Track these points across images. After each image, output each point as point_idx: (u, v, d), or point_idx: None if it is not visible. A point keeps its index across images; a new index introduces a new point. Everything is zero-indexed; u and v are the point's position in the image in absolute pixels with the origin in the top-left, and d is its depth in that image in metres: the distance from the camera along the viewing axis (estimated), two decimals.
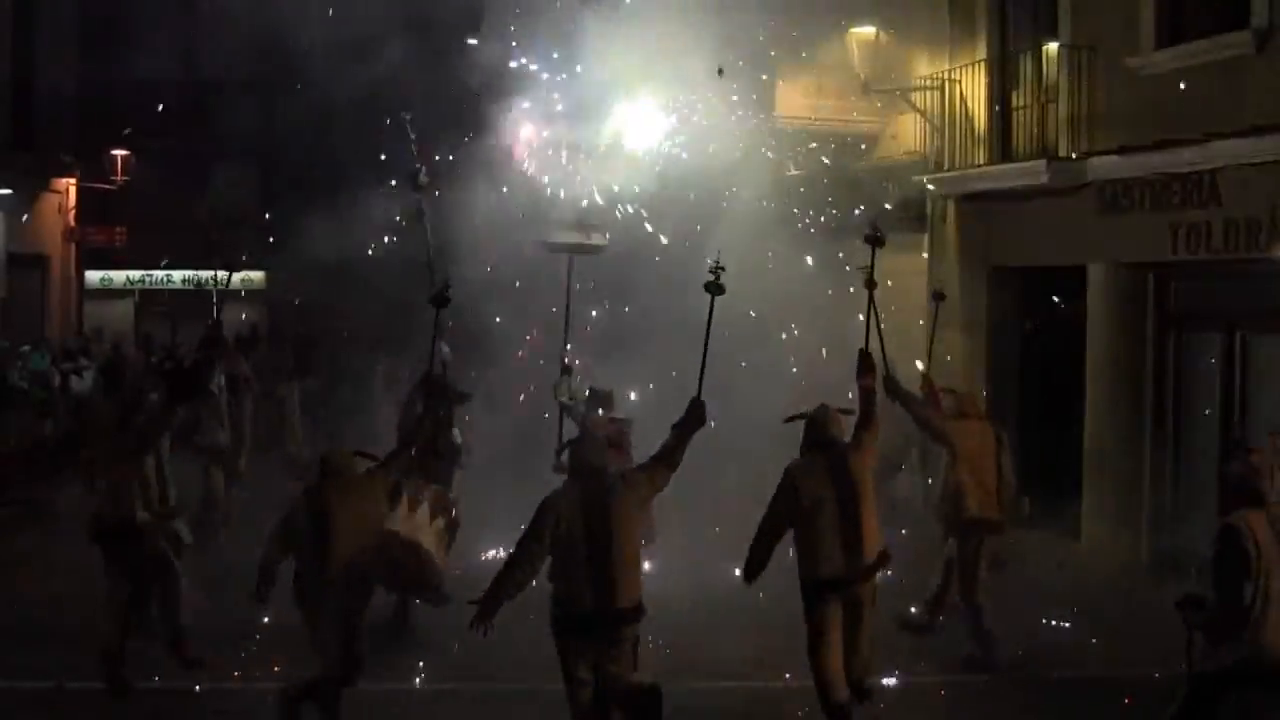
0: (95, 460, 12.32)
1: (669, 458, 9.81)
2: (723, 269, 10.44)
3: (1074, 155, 17.41)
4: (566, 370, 15.19)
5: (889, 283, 15.36)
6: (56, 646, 13.18)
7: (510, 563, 9.42)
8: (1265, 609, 8.54)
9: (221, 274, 16.80)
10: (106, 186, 33.10)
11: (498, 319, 18.26)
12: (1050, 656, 12.53)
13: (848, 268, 14.74)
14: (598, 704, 9.44)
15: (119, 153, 33.35)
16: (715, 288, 10.49)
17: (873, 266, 11.76)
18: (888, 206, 19.90)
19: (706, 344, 10.59)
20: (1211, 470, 15.44)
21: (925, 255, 20.75)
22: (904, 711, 11.46)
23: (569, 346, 15.61)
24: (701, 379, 10.33)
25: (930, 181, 20.44)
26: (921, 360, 15.31)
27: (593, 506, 9.38)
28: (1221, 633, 8.69)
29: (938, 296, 15.57)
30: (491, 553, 14.77)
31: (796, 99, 22.19)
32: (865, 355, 11.53)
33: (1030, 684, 12.21)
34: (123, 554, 12.06)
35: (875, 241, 11.87)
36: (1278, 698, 8.77)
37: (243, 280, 37.90)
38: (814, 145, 22.01)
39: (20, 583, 16.02)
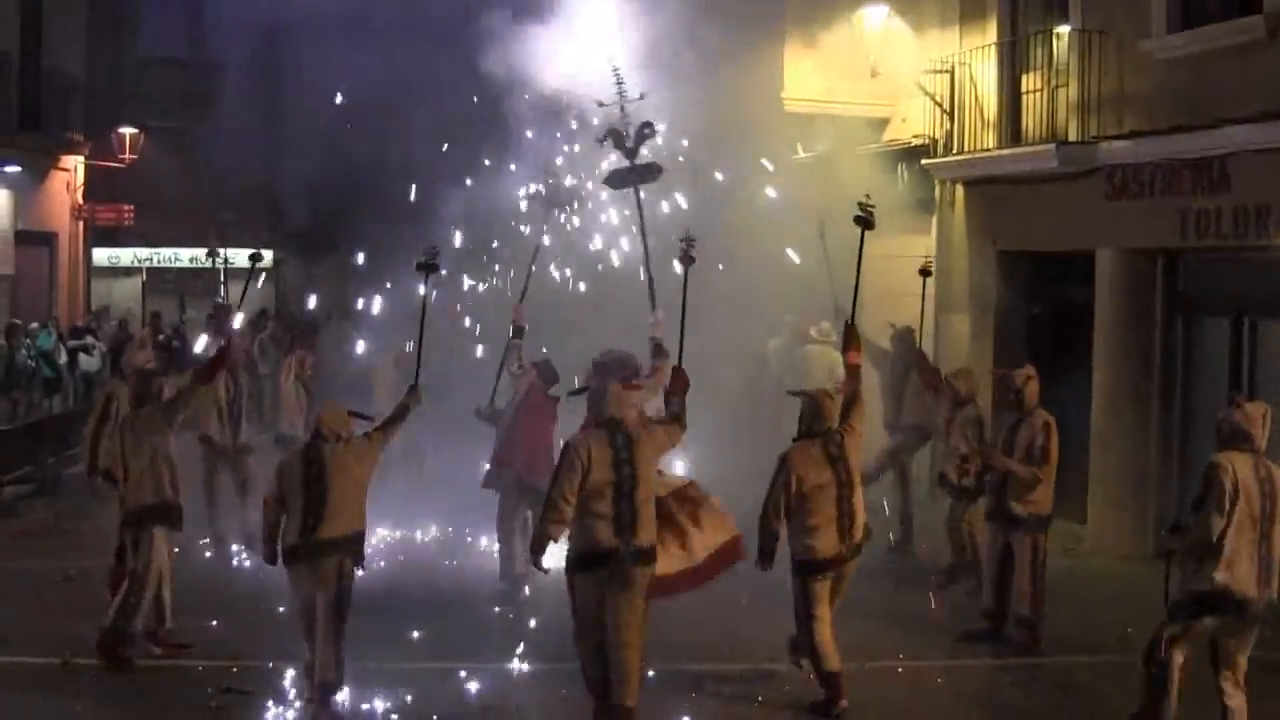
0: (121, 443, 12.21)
1: (680, 419, 10.59)
2: (694, 240, 11.61)
3: (1084, 140, 17.36)
4: (519, 332, 14.96)
5: (894, 267, 15.51)
6: (63, 621, 13.24)
7: (548, 505, 10.04)
8: (1238, 544, 9.23)
9: (251, 257, 16.88)
10: (115, 165, 33.07)
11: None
12: (1055, 642, 12.49)
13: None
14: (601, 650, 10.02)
15: (127, 131, 33.33)
16: (687, 260, 11.63)
17: (861, 248, 12.21)
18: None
19: (684, 316, 11.61)
20: None
21: (933, 239, 20.70)
22: (906, 692, 11.52)
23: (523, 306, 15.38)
24: (681, 349, 11.35)
25: (939, 165, 20.40)
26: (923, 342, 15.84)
27: (619, 452, 9.97)
28: (1195, 561, 9.34)
29: (924, 273, 16.01)
30: None
31: (806, 82, 22.17)
32: (850, 329, 11.73)
33: (1031, 668, 12.22)
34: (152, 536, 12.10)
35: (865, 224, 12.09)
36: (1244, 628, 9.44)
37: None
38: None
39: (28, 558, 16.08)
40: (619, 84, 14.92)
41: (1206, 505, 9.35)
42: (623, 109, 14.88)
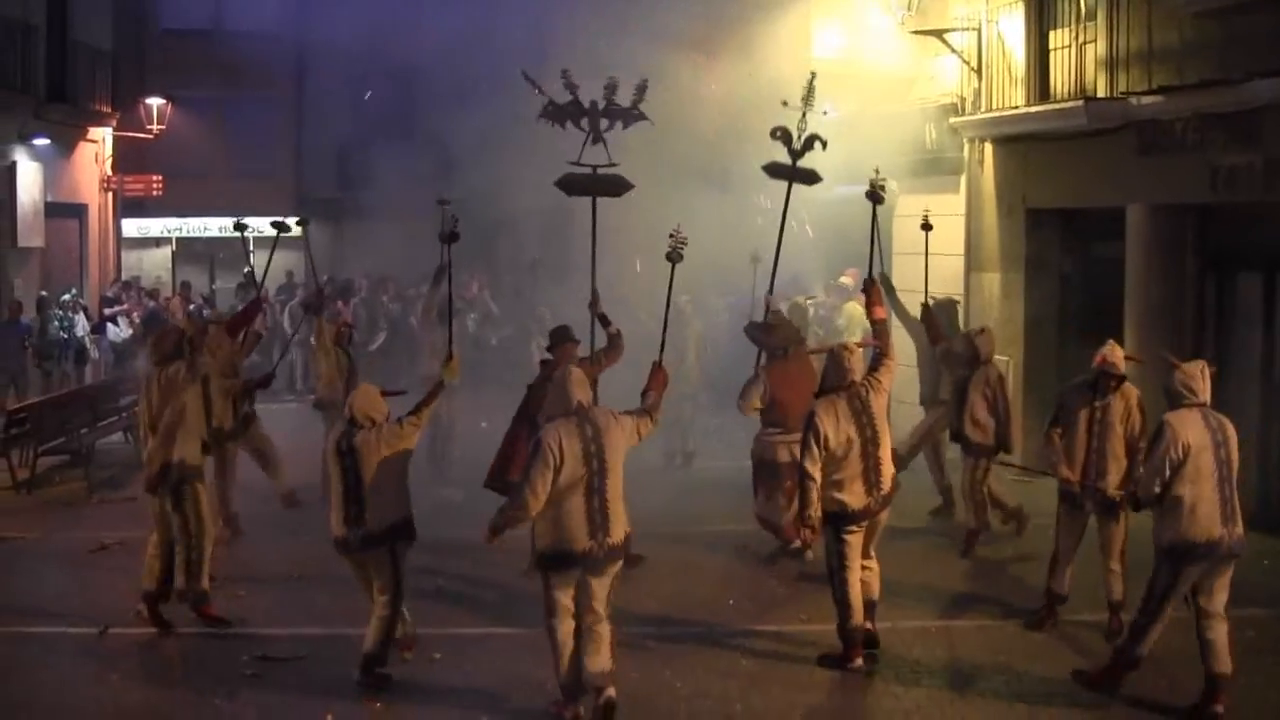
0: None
1: (652, 413, 10.29)
2: (684, 242, 11.50)
3: (1113, 96, 17.24)
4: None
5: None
6: (100, 592, 13.36)
7: (514, 495, 9.79)
8: (1196, 494, 9.90)
9: (275, 225, 16.98)
10: (143, 136, 33.12)
11: None
12: (1082, 603, 12.44)
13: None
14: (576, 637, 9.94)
15: (155, 101, 33.35)
16: (676, 256, 11.53)
17: (875, 225, 12.77)
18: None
19: (667, 312, 11.94)
20: (1253, 414, 15.38)
21: (962, 198, 20.64)
22: (922, 652, 11.57)
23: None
24: (663, 346, 11.37)
25: (967, 124, 20.31)
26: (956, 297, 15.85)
27: (588, 444, 9.69)
28: (1160, 517, 10.09)
29: (925, 227, 16.20)
30: None
31: (834, 40, 22.10)
32: (872, 283, 11.80)
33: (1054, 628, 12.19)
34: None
35: (875, 199, 12.67)
36: (1219, 567, 10.04)
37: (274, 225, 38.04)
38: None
39: (64, 529, 16.20)
40: (809, 93, 14.79)
41: (1152, 462, 10.06)
42: (804, 115, 14.71)
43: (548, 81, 14.08)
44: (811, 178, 14.96)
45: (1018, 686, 10.74)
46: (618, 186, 14.28)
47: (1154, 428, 10.39)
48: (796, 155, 14.86)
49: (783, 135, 14.79)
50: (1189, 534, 9.93)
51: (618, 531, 9.78)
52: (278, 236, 15.87)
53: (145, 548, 12.38)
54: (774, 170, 15.00)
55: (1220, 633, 10.04)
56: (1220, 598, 10.11)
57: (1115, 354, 11.92)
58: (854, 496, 10.89)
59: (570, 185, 14.24)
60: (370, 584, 10.76)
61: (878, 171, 12.71)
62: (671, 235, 11.51)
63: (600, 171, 14.13)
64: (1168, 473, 9.95)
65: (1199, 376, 10.29)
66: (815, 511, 10.87)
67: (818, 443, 10.80)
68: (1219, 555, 9.99)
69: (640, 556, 13.24)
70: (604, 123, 14.26)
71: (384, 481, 10.51)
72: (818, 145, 14.84)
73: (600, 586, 9.83)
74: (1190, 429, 10.00)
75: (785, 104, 14.79)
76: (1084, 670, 10.75)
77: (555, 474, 9.55)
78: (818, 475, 10.83)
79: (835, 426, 10.85)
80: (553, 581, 9.85)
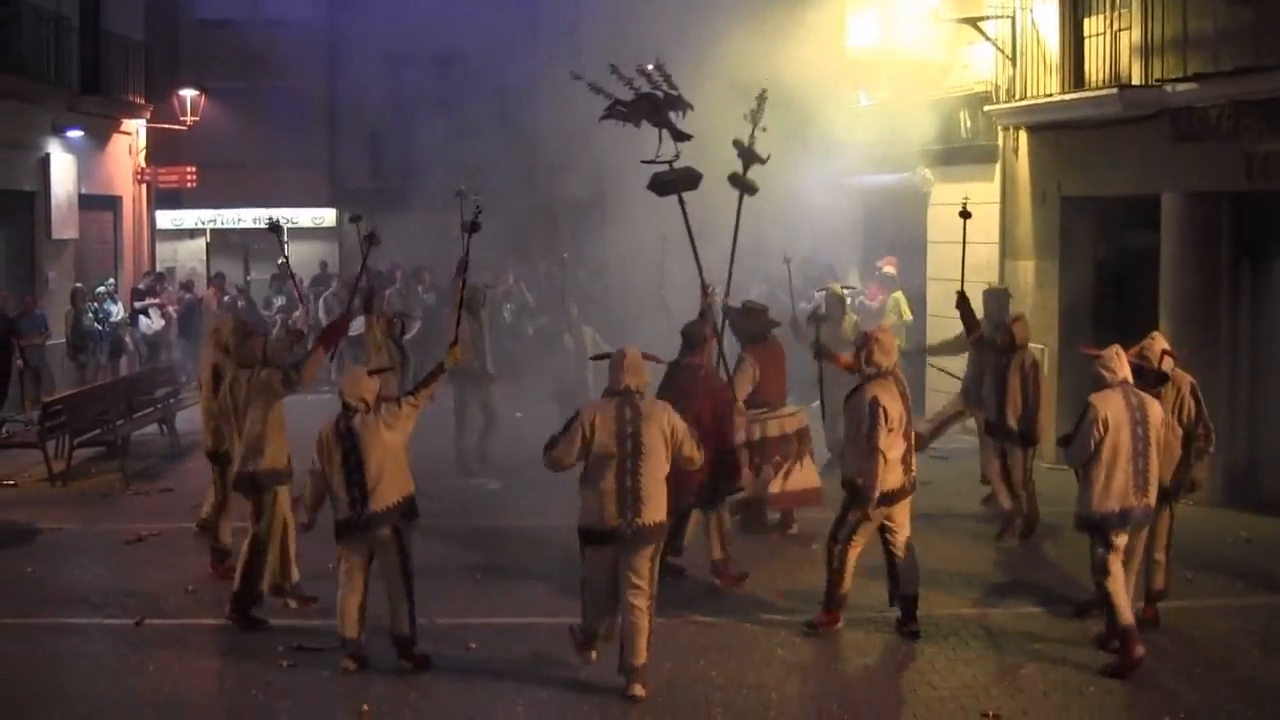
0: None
1: (696, 458, 10.53)
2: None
3: (1147, 83, 17.14)
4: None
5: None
6: (137, 582, 13.43)
7: (548, 448, 10.35)
8: (1114, 468, 10.68)
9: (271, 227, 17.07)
10: (177, 127, 33.22)
11: None
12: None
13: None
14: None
15: (188, 93, 33.45)
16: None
17: (743, 186, 13.46)
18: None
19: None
20: None
21: (997, 186, 20.57)
22: (958, 640, 11.55)
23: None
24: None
25: (1002, 112, 20.23)
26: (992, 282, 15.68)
27: (625, 425, 10.10)
28: (1084, 489, 10.88)
29: (964, 215, 16.03)
30: None
31: (868, 29, 22.06)
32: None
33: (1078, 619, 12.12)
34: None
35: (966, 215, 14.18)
36: (1137, 530, 11.02)
37: (312, 220, 38.19)
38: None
39: (101, 521, 16.28)
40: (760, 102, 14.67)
41: (1078, 438, 10.85)
42: (754, 131, 14.55)
43: (601, 74, 14.02)
44: (693, 179, 14.40)
45: (1054, 675, 10.71)
46: (694, 180, 14.22)
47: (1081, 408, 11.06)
48: (746, 166, 14.67)
49: (740, 150, 14.69)
50: (1106, 504, 10.75)
51: (649, 514, 10.05)
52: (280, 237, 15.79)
53: (183, 539, 12.46)
54: (659, 186, 14.45)
55: (1126, 579, 10.96)
56: (1140, 550, 11.26)
57: (1153, 348, 11.89)
58: (893, 477, 11.28)
59: (661, 187, 14.20)
60: (357, 575, 10.80)
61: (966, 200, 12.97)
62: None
63: (676, 166, 14.05)
64: (1091, 446, 10.70)
65: (1116, 359, 11.08)
66: (883, 486, 11.18)
67: (886, 421, 11.13)
68: (1132, 523, 10.85)
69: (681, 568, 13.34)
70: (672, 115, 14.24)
71: (385, 462, 10.63)
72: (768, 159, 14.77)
73: (635, 565, 10.12)
74: (1111, 406, 10.77)
75: (746, 117, 14.73)
76: (1109, 664, 10.75)
77: (584, 445, 10.09)
78: (889, 453, 11.19)
79: (893, 405, 11.21)
80: (588, 556, 10.32)
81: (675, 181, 14.06)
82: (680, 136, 14.03)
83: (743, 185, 14.76)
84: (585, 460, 10.24)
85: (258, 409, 12.20)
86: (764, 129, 14.32)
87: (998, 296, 16.69)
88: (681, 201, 14.18)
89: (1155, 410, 10.98)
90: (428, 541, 11.73)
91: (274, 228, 16.78)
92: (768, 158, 14.54)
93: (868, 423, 11.17)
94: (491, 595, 12.89)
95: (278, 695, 10.45)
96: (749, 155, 14.59)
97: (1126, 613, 10.74)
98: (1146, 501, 10.85)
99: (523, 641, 11.48)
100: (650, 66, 14.05)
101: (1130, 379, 11.03)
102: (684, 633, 11.69)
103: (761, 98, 14.51)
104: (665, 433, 10.18)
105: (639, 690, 10.14)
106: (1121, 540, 10.80)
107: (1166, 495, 11.66)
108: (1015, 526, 14.84)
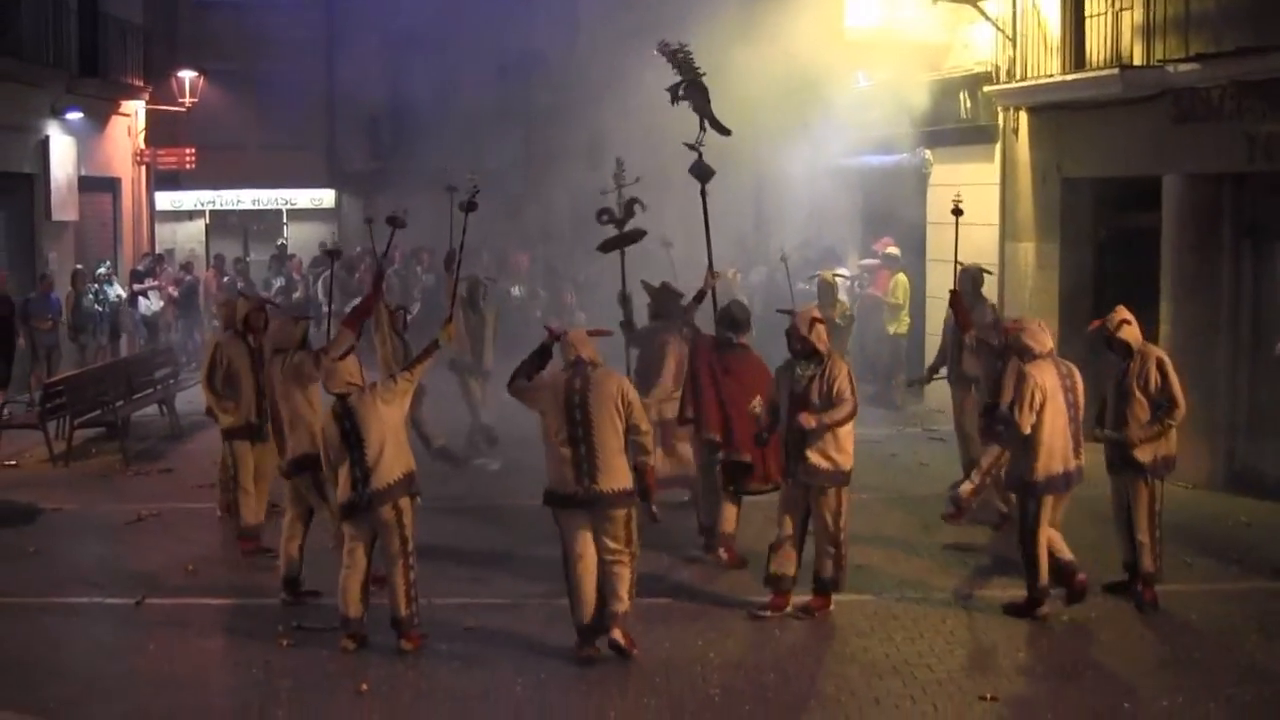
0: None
1: (645, 440, 10.77)
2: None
3: (1149, 64, 17.09)
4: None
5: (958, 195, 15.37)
6: (138, 562, 13.45)
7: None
8: (1051, 433, 11.23)
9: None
10: (175, 109, 33.17)
11: None
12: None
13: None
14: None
15: (187, 74, 33.38)
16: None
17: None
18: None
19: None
20: None
21: (997, 167, 20.54)
22: (954, 624, 11.55)
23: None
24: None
25: (1002, 92, 20.20)
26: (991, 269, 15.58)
27: (572, 395, 10.43)
28: (1020, 454, 11.40)
29: (956, 212, 15.41)
30: None
31: (867, 9, 22.01)
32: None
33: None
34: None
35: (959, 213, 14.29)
36: (1068, 493, 11.62)
37: (311, 201, 38.18)
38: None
39: (101, 501, 16.29)
40: (619, 169, 15.14)
41: (1020, 406, 11.23)
42: (619, 190, 15.06)
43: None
44: (636, 237, 15.30)
45: (1053, 659, 10.73)
46: (637, 238, 15.24)
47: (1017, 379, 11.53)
48: (621, 224, 15.16)
49: (608, 217, 15.20)
50: (1051, 467, 11.31)
51: (606, 481, 10.38)
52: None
53: (183, 519, 12.47)
54: (606, 246, 15.41)
55: (1055, 538, 11.56)
56: (1058, 517, 11.65)
57: (1113, 318, 12.14)
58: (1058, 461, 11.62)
59: (607, 246, 15.23)
60: (360, 554, 10.83)
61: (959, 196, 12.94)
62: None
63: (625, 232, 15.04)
64: (1031, 413, 11.20)
65: (1039, 332, 11.66)
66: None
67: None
68: (1070, 484, 11.50)
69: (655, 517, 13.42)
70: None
71: (384, 437, 10.67)
72: (637, 208, 15.16)
73: (609, 530, 10.45)
74: (1045, 375, 11.35)
75: (603, 193, 15.28)
76: (1013, 602, 11.65)
77: (537, 395, 10.61)
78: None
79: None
80: (560, 522, 10.64)
81: (620, 239, 15.04)
82: (722, 130, 14.62)
83: (623, 240, 15.25)
84: (542, 427, 10.59)
85: (296, 393, 12.23)
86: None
87: (973, 276, 16.18)
88: (704, 192, 14.65)
89: (1080, 378, 11.66)
90: (427, 522, 11.70)
91: (331, 253, 16.56)
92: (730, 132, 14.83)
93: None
94: (489, 576, 12.90)
95: (278, 674, 10.46)
96: (626, 211, 15.14)
97: (1045, 573, 11.44)
98: (1079, 463, 11.54)
99: (521, 622, 11.49)
100: (674, 46, 14.36)
101: (1054, 349, 11.68)
102: (681, 614, 11.70)
103: (620, 166, 15.12)
104: (616, 402, 10.43)
105: (618, 636, 10.41)
106: (1050, 502, 11.39)
107: (1142, 470, 11.78)
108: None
